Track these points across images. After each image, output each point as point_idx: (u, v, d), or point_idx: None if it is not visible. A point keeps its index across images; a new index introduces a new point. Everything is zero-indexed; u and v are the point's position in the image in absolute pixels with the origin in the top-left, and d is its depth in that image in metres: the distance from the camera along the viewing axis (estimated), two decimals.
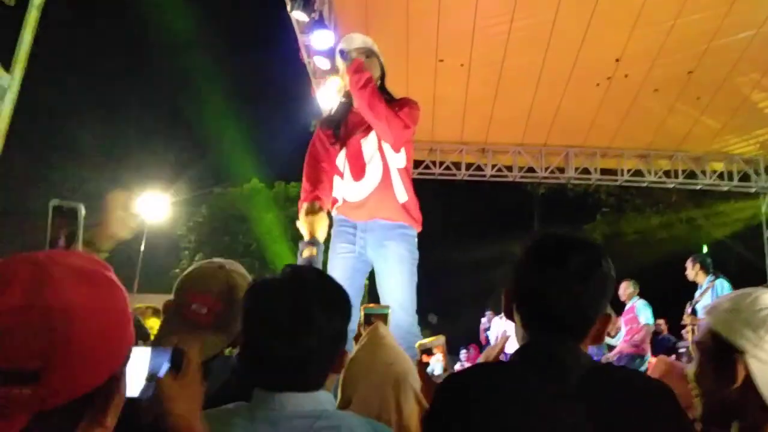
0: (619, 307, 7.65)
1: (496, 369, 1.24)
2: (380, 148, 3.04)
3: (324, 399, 1.08)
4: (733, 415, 1.09)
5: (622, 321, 7.64)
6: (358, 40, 3.28)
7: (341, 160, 3.11)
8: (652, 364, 5.92)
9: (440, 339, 1.71)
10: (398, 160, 3.04)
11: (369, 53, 3.24)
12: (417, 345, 1.75)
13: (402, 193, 3.01)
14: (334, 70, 6.65)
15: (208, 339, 1.39)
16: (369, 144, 3.06)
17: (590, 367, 1.11)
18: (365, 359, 1.48)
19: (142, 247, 20.05)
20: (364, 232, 3.01)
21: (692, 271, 6.19)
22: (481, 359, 1.46)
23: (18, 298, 0.70)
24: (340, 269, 3.01)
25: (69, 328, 0.70)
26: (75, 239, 1.21)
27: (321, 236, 2.43)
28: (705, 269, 6.09)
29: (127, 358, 0.80)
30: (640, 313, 6.95)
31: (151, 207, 20.66)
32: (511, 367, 1.17)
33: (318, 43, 6.06)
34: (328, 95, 7.02)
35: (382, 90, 3.15)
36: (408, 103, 3.13)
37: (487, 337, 10.25)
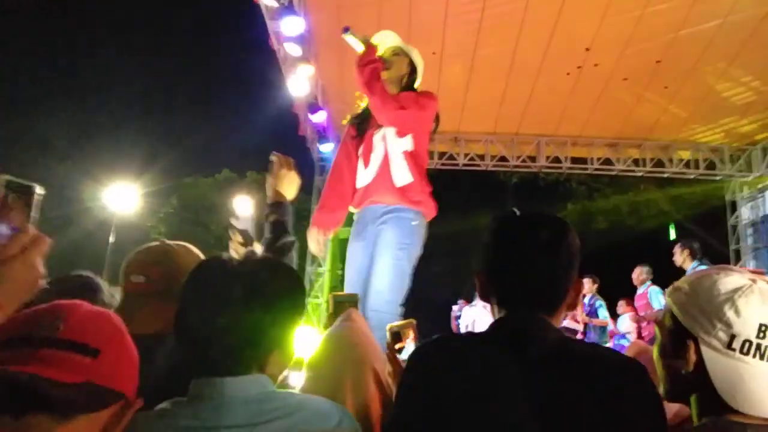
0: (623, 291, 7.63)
1: (462, 338, 1.25)
2: (384, 136, 3.10)
3: (266, 381, 1.06)
4: (690, 393, 1.10)
5: (633, 305, 7.58)
6: (390, 39, 3.27)
7: (360, 152, 3.22)
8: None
9: (411, 322, 1.72)
10: (402, 143, 3.04)
11: (398, 51, 3.25)
12: (387, 327, 1.78)
13: (401, 176, 3.01)
14: (304, 57, 6.59)
15: (154, 307, 1.35)
16: (378, 134, 3.13)
17: (558, 341, 1.12)
18: (329, 340, 1.48)
19: (111, 239, 19.66)
20: (368, 220, 3.06)
21: (680, 257, 6.17)
22: None
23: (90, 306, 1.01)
24: (348, 263, 3.09)
25: (123, 335, 1.01)
26: (27, 222, 1.12)
27: (286, 194, 2.24)
28: (692, 255, 6.11)
29: (135, 402, 0.98)
30: (653, 299, 6.89)
31: (120, 198, 20.26)
32: (477, 338, 1.19)
33: (288, 29, 5.97)
34: (298, 82, 6.97)
35: (410, 87, 3.20)
36: (418, 91, 3.19)
37: (458, 325, 10.33)
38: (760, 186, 10.23)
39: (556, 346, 1.10)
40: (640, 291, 7.15)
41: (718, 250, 12.81)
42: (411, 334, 1.73)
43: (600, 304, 7.51)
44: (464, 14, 6.94)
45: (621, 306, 8.44)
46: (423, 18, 6.98)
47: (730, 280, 1.07)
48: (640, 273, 7.13)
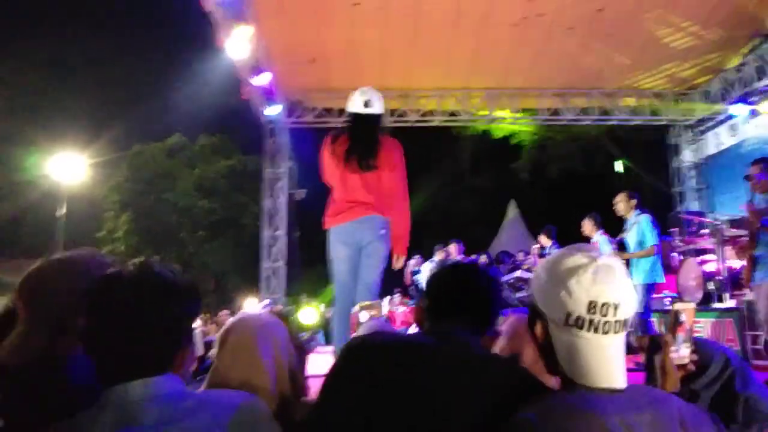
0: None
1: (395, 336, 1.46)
2: None
3: (177, 381, 1.09)
4: (555, 366, 1.18)
5: None
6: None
7: None
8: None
9: (378, 302, 2.07)
10: None
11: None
12: (357, 306, 2.17)
13: None
14: (241, 17, 6.35)
15: (22, 335, 1.29)
16: None
17: (471, 351, 1.30)
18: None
19: (63, 211, 18.99)
20: None
21: (624, 205, 6.15)
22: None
23: None
24: None
25: None
26: None
27: None
28: (636, 205, 6.12)
29: None
30: (602, 249, 6.92)
31: (68, 169, 19.47)
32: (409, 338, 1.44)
33: None
34: (237, 44, 6.74)
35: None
36: None
37: (413, 281, 10.45)
38: (701, 128, 10.56)
39: (469, 355, 1.26)
40: (592, 241, 7.28)
41: (664, 192, 13.26)
42: (375, 309, 2.15)
43: None
44: None
45: None
46: None
47: (570, 260, 1.14)
48: (587, 224, 7.21)
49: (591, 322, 1.09)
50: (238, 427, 1.05)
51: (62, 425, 1.05)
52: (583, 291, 1.10)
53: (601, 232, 7.00)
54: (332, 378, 1.29)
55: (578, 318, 1.09)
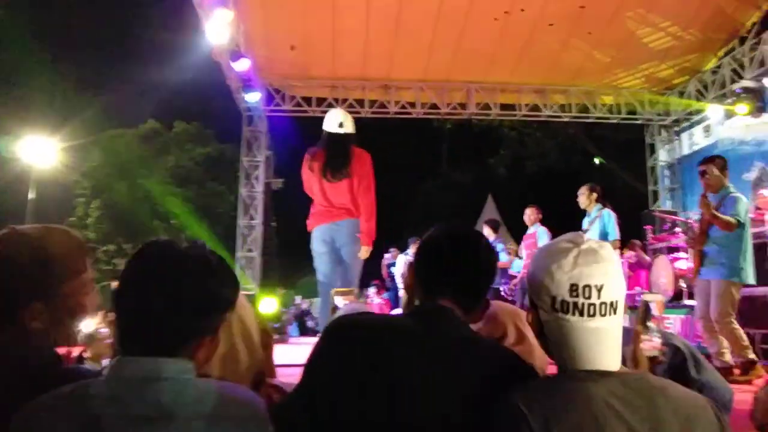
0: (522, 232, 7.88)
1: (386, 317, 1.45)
2: None
3: (189, 367, 1.04)
4: (550, 351, 1.18)
5: (523, 246, 7.95)
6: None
7: None
8: None
9: (353, 289, 2.21)
10: None
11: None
12: (332, 291, 2.29)
13: None
14: (222, 1, 6.22)
15: None
16: None
17: (461, 332, 1.28)
18: None
19: (31, 196, 18.52)
20: None
21: (587, 199, 6.25)
22: None
23: None
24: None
25: None
26: None
27: None
28: (597, 198, 6.15)
29: None
30: (540, 240, 7.03)
31: (38, 152, 18.97)
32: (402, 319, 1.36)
33: None
34: (217, 28, 6.61)
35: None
36: None
37: (390, 273, 10.47)
38: (676, 129, 10.71)
39: (458, 335, 1.24)
40: (529, 231, 7.35)
41: (640, 191, 13.44)
42: (350, 295, 2.28)
43: (501, 248, 7.75)
44: None
45: (521, 249, 8.78)
46: None
47: (554, 247, 1.15)
48: (531, 213, 7.28)
49: (575, 305, 1.08)
50: (241, 423, 1.03)
51: (51, 396, 1.00)
52: (563, 274, 1.09)
53: (539, 223, 7.14)
54: (314, 358, 1.27)
55: (562, 302, 1.09)
